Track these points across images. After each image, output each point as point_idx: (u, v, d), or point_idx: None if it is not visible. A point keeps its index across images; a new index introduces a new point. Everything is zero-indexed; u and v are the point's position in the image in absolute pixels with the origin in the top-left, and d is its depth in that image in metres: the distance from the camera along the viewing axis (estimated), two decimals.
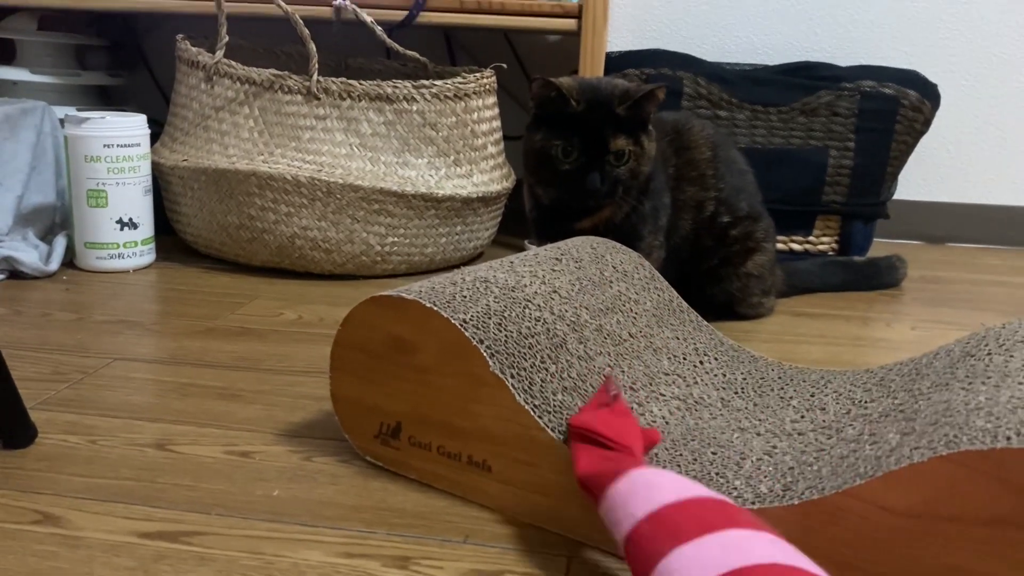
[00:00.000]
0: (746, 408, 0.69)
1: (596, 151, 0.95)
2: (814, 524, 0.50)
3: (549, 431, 0.58)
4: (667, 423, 0.65)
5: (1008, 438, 0.45)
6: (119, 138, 1.18)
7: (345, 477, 0.64)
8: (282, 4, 1.19)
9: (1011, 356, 0.57)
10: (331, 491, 0.62)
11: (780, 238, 1.39)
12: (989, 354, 0.59)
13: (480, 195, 1.27)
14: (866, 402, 0.65)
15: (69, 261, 1.23)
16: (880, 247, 1.50)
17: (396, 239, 1.22)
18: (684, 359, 0.73)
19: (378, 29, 1.28)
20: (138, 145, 1.20)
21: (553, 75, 0.96)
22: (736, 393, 0.72)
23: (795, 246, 1.40)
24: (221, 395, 0.79)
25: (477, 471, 0.61)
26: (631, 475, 0.50)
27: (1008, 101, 1.61)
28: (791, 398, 0.70)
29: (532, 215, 1.05)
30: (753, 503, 0.55)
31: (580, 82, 0.98)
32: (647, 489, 0.48)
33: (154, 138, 1.27)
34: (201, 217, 1.25)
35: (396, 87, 1.20)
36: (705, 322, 0.80)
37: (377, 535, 0.56)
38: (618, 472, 0.50)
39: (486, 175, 1.30)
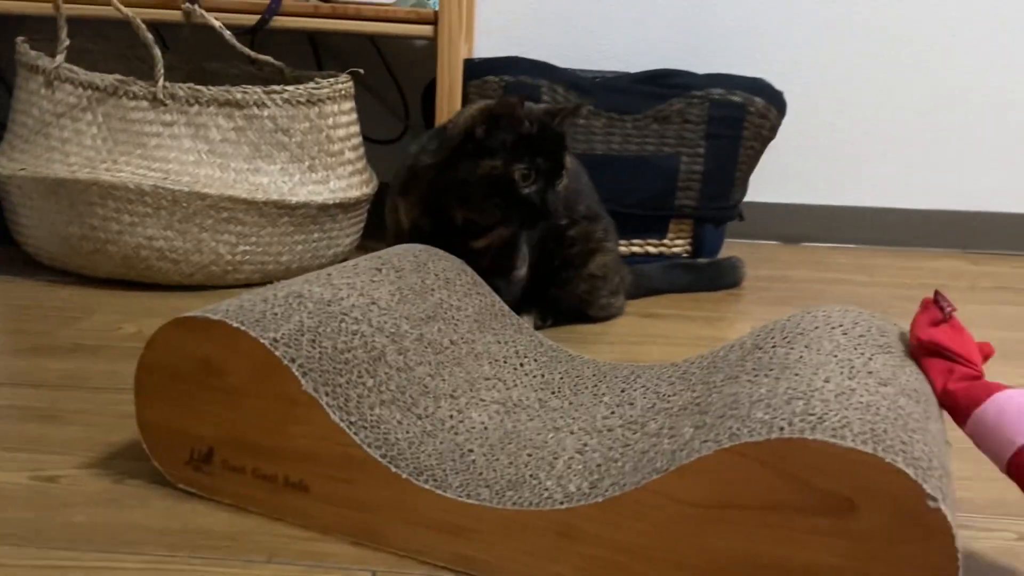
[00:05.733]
0: (562, 408, 0.71)
1: (553, 172, 0.93)
2: (619, 520, 0.52)
3: (365, 448, 0.58)
4: (486, 428, 0.67)
5: (781, 428, 0.49)
6: None
7: (155, 499, 0.62)
8: (120, 7, 1.15)
9: (791, 348, 0.61)
10: (138, 514, 0.60)
11: (636, 242, 1.43)
12: (774, 347, 0.62)
13: (338, 201, 1.26)
14: (669, 396, 0.68)
15: None
16: (738, 248, 1.55)
17: (248, 248, 1.20)
18: (505, 362, 0.75)
19: (227, 33, 1.25)
20: None
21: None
22: (553, 393, 0.74)
23: (651, 249, 1.44)
24: (40, 416, 0.75)
25: (294, 491, 0.61)
26: (997, 399, 0.54)
27: (850, 107, 1.70)
28: (603, 394, 0.73)
29: (415, 235, 0.95)
30: (562, 502, 0.57)
31: (512, 103, 0.93)
32: (1020, 415, 0.53)
33: None
34: (42, 228, 1.19)
35: (246, 92, 1.18)
36: (527, 325, 0.83)
37: (177, 559, 0.55)
38: (981, 396, 0.55)
39: (344, 181, 1.29)
